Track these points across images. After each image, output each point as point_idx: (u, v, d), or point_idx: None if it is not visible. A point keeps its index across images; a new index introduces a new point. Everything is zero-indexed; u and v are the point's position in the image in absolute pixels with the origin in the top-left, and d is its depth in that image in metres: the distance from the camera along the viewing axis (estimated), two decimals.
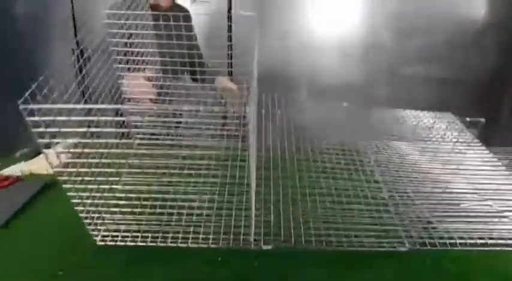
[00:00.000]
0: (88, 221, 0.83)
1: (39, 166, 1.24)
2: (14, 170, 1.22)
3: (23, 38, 2.50)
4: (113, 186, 0.95)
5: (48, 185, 1.12)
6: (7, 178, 1.15)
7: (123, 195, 0.94)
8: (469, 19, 2.45)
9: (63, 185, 0.78)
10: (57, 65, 2.52)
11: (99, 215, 0.88)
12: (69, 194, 0.79)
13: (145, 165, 1.17)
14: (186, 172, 1.18)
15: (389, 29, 2.46)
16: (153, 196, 1.01)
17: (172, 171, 1.17)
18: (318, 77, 2.56)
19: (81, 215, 0.83)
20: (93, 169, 0.82)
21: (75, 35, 2.48)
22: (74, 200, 0.81)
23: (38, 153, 1.36)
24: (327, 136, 1.27)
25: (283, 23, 2.42)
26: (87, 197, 0.83)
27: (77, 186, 0.80)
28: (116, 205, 0.95)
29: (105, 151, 0.88)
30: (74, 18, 2.46)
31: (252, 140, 0.82)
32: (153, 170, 1.14)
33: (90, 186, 0.83)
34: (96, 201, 0.84)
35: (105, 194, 0.88)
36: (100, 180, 0.85)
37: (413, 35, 2.47)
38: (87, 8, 2.44)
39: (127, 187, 1.01)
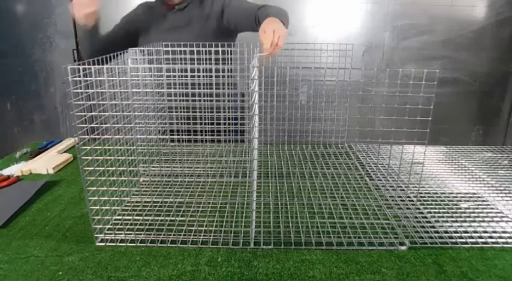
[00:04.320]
0: (95, 222, 0.84)
1: (39, 165, 1.24)
2: (14, 170, 1.22)
3: (22, 38, 2.50)
4: (126, 188, 0.96)
5: (48, 185, 1.12)
6: (7, 177, 1.15)
7: (137, 200, 0.95)
8: (469, 19, 2.45)
9: (85, 187, 0.80)
10: (56, 65, 2.52)
11: (109, 217, 0.89)
12: (88, 194, 0.81)
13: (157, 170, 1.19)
14: (186, 172, 1.18)
15: (389, 29, 2.46)
16: (155, 199, 1.01)
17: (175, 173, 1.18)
18: (318, 76, 2.55)
19: (91, 215, 0.84)
20: (111, 177, 0.85)
21: (75, 35, 2.47)
22: (90, 197, 0.82)
23: (38, 153, 1.36)
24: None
25: None
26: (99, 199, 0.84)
27: (89, 188, 0.82)
28: (125, 208, 0.96)
29: (123, 158, 0.90)
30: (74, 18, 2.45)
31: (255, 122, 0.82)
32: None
33: (107, 188, 0.85)
34: (109, 199, 0.86)
35: (121, 198, 0.90)
36: (118, 183, 0.88)
37: (413, 35, 2.47)
38: None
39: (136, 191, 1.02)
